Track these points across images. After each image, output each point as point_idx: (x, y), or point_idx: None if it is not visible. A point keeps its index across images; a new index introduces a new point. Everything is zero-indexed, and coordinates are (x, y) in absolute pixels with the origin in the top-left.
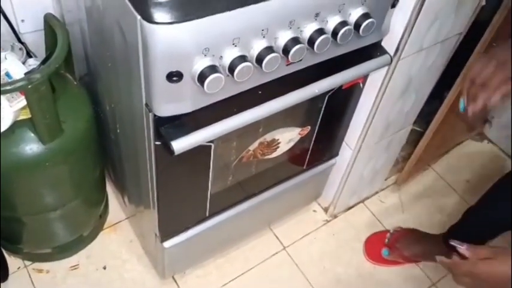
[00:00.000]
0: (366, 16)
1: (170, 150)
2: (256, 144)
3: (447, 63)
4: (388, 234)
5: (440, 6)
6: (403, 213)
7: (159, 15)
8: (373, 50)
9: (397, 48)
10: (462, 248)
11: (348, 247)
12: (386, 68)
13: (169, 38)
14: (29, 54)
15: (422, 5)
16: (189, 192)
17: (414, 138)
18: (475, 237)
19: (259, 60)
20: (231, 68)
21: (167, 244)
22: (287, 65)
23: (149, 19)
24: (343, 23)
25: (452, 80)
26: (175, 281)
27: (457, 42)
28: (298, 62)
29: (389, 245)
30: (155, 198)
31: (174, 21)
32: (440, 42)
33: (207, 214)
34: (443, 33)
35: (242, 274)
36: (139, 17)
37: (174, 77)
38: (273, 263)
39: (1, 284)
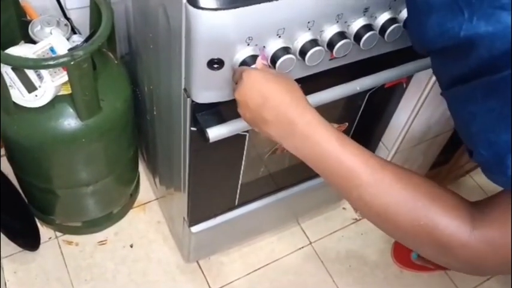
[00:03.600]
0: None
1: (205, 137)
2: None
3: None
4: None
5: None
6: None
7: (205, 0)
8: None
9: None
10: (260, 61)
11: (375, 248)
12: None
13: (213, 24)
14: (74, 31)
15: None
16: (220, 180)
17: (454, 143)
18: None
19: (303, 52)
20: (274, 59)
21: (195, 229)
22: (330, 59)
23: (195, 4)
24: (393, 20)
25: None
26: (200, 266)
27: None
28: (342, 57)
29: None
30: (186, 183)
31: (220, 8)
32: None
33: (236, 203)
34: None
35: (266, 265)
36: (184, 1)
37: (215, 64)
38: (298, 257)
39: (32, 251)
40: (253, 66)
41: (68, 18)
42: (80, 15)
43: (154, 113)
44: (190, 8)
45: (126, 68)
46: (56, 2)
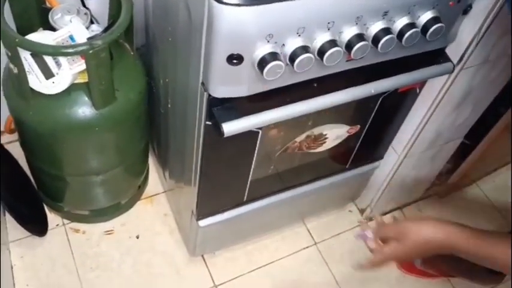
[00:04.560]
0: (435, 20)
1: (220, 132)
2: (303, 136)
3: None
4: None
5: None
6: None
7: None
8: (436, 56)
9: (462, 57)
10: (369, 239)
11: None
12: (446, 76)
13: (235, 19)
14: (92, 21)
15: (496, 15)
16: (230, 175)
17: (462, 152)
18: None
19: (321, 52)
20: (292, 58)
21: (202, 223)
22: (347, 60)
23: None
24: (411, 25)
25: (511, 97)
26: (204, 260)
27: None
28: (359, 59)
29: None
30: (197, 177)
31: (242, 4)
32: (510, 55)
33: (245, 199)
34: None
35: (270, 263)
36: None
37: (235, 59)
38: (302, 256)
39: (40, 237)
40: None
41: (86, 8)
42: (99, 5)
43: (169, 106)
44: (213, 2)
45: (141, 60)
46: None
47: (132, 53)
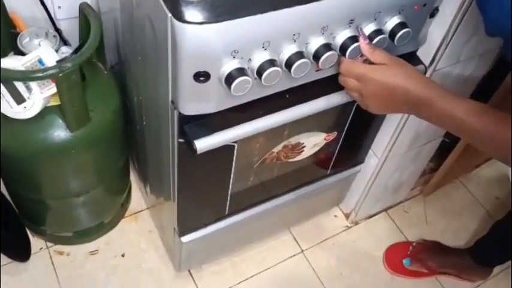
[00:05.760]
0: (402, 25)
1: (193, 149)
2: (280, 146)
3: (485, 76)
4: (410, 247)
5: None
6: (427, 225)
7: (190, 14)
8: (408, 60)
9: (433, 59)
10: (363, 42)
11: (366, 255)
12: None
13: (198, 38)
14: (63, 41)
15: (463, 16)
16: (209, 190)
17: (444, 150)
18: (503, 251)
19: (289, 65)
20: (259, 72)
21: (185, 239)
22: (317, 70)
23: (180, 18)
24: (378, 31)
25: (488, 93)
26: (191, 275)
27: (497, 55)
28: (328, 68)
29: (412, 256)
30: (175, 193)
31: (205, 22)
32: (479, 55)
33: (227, 212)
34: (482, 46)
35: (257, 274)
36: (170, 15)
37: (201, 77)
38: (290, 265)
39: (23, 262)
40: (357, 44)
41: (57, 29)
42: (70, 26)
43: (144, 123)
44: (176, 22)
45: (115, 78)
46: (45, 13)
47: (105, 72)
